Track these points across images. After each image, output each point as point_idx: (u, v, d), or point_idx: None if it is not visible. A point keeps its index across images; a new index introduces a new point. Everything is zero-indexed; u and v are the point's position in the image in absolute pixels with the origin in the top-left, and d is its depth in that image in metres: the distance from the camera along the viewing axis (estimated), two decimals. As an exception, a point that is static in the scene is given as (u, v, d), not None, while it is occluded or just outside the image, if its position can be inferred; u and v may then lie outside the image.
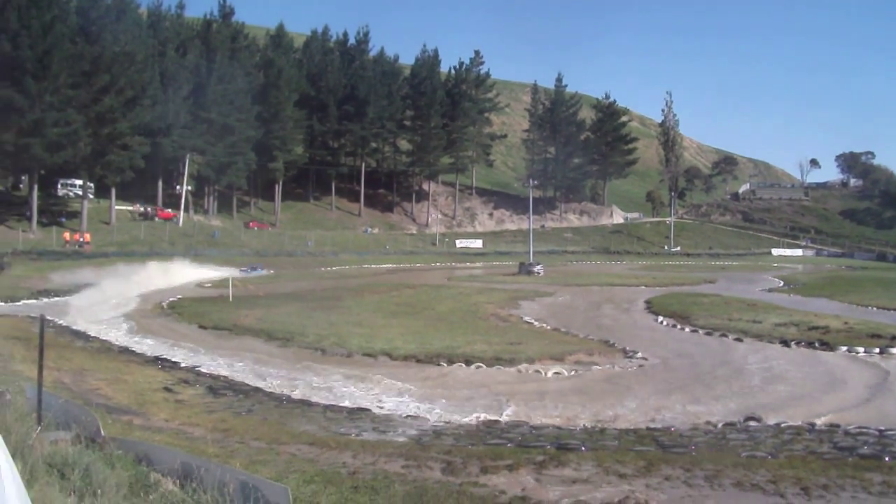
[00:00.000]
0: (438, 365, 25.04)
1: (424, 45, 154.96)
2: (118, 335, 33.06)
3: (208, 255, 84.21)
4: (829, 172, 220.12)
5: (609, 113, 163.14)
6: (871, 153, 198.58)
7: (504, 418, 18.20)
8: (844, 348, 30.22)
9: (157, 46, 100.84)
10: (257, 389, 21.45)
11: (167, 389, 20.66)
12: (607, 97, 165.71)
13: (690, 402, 20.69)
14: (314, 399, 20.21)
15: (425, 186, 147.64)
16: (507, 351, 26.97)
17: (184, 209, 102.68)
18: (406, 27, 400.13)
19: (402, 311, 41.56)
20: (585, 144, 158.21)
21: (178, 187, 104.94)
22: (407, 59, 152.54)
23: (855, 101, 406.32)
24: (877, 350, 29.81)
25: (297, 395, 20.80)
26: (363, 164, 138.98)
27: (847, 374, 25.68)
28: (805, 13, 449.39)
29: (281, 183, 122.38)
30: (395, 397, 20.76)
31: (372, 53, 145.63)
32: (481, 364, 24.94)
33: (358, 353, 26.77)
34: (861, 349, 29.98)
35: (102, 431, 10.25)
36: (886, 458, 13.93)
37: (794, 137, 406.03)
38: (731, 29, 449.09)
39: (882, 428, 17.41)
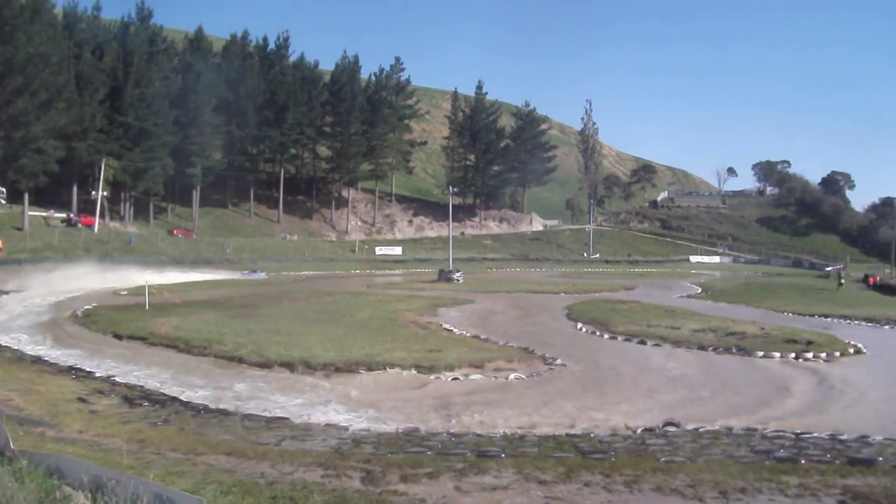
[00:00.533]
0: (357, 373, 24.89)
1: (345, 51, 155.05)
2: (31, 344, 32.35)
3: (125, 262, 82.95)
4: (746, 181, 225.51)
5: (529, 121, 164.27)
6: (787, 162, 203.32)
7: (424, 426, 18.13)
8: (761, 353, 30.75)
9: (72, 48, 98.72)
10: (174, 399, 21.12)
11: (81, 400, 20.27)
12: (527, 105, 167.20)
13: (610, 409, 20.81)
14: (232, 408, 19.97)
15: (345, 193, 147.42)
16: (426, 358, 26.89)
17: (99, 215, 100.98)
18: (326, 33, 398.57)
19: (321, 319, 41.28)
20: (505, 152, 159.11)
21: (93, 193, 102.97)
22: (327, 65, 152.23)
23: (771, 110, 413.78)
24: (792, 355, 30.38)
25: (214, 404, 20.51)
26: (282, 171, 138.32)
27: (765, 379, 26.12)
28: (721, 21, 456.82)
29: (199, 189, 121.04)
30: (314, 406, 20.58)
31: (292, 59, 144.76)
32: (401, 372, 24.88)
33: (276, 362, 26.50)
34: (777, 354, 30.58)
35: (12, 444, 10.01)
36: (802, 461, 14.18)
37: (712, 146, 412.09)
38: (650, 37, 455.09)
39: (798, 431, 17.76)
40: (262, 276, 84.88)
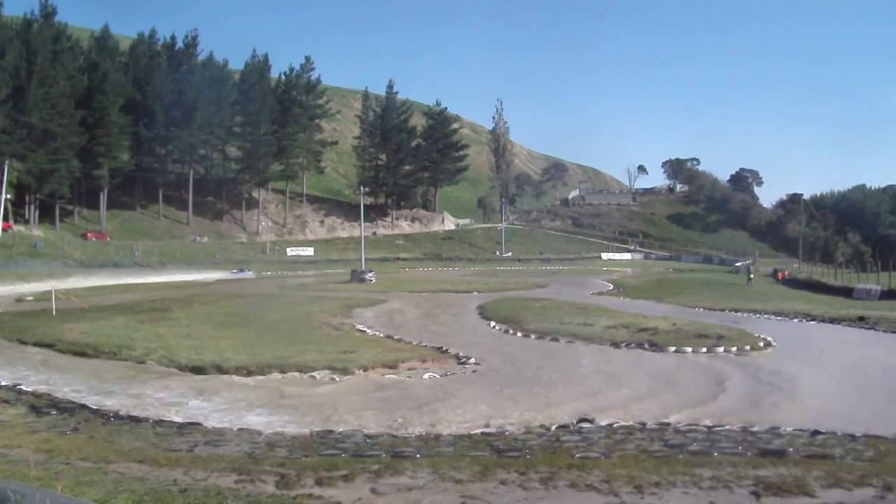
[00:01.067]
0: (270, 375, 24.70)
1: (254, 51, 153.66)
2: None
3: (30, 267, 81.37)
4: (657, 178, 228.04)
5: (440, 120, 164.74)
6: (697, 160, 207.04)
7: (338, 428, 18.02)
8: (673, 349, 31.17)
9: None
10: (83, 406, 20.61)
11: (-15, 410, 19.78)
12: (438, 104, 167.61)
13: (524, 406, 20.87)
14: (143, 415, 19.57)
15: (255, 194, 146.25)
16: (339, 360, 26.76)
17: (3, 219, 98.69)
18: (236, 32, 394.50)
19: (232, 322, 40.86)
20: (417, 151, 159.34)
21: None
22: (236, 64, 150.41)
23: (681, 108, 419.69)
24: (704, 349, 30.88)
25: (125, 411, 20.08)
26: (192, 171, 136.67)
27: (677, 373, 26.49)
28: (626, 20, 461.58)
29: (106, 191, 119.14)
30: (226, 410, 20.32)
31: (200, 58, 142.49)
32: (314, 374, 24.72)
33: (188, 366, 26.14)
34: (689, 349, 31.01)
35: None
36: (715, 454, 14.32)
37: (623, 144, 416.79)
38: (558, 37, 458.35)
39: (710, 424, 17.97)
40: (249, 274, 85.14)
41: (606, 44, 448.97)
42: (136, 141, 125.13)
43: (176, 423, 18.58)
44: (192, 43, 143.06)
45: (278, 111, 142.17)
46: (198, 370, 25.70)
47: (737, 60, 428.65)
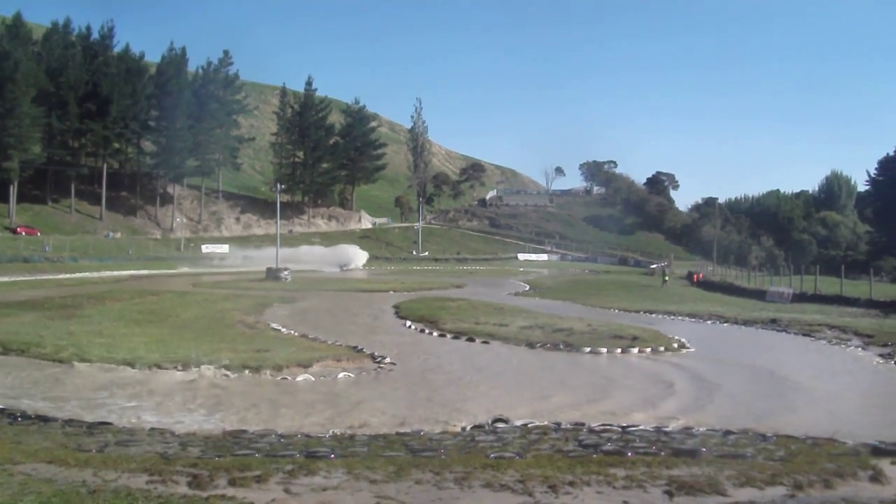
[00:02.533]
0: (184, 373, 24.36)
1: (171, 43, 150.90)
2: None
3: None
4: (574, 180, 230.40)
5: (359, 118, 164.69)
6: (614, 162, 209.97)
7: (252, 427, 17.82)
8: (588, 349, 31.40)
9: None
10: (-13, 406, 20.17)
11: None
12: (357, 102, 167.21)
13: (439, 406, 20.85)
14: (52, 414, 19.19)
15: (170, 189, 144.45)
16: (253, 358, 26.48)
17: None
18: (153, 24, 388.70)
19: (145, 319, 40.25)
20: (334, 149, 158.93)
21: None
22: (153, 57, 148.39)
23: (598, 110, 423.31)
24: (619, 350, 31.19)
25: (33, 410, 19.65)
26: (105, 166, 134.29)
27: (592, 373, 26.71)
28: (549, 23, 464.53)
29: (16, 184, 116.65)
30: (138, 409, 19.99)
31: (116, 49, 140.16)
32: (227, 372, 24.44)
33: (99, 364, 25.69)
34: (604, 349, 31.30)
35: None
36: (629, 454, 14.34)
37: (541, 146, 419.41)
38: (479, 36, 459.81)
39: (625, 424, 18.06)
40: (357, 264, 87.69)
41: (525, 46, 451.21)
42: (49, 133, 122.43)
43: (86, 422, 18.21)
44: (107, 34, 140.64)
45: (195, 106, 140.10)
46: (110, 367, 25.24)
47: (652, 65, 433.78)
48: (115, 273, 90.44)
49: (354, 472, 12.63)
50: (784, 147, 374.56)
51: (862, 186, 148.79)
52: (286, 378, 24.22)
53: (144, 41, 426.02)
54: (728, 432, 17.22)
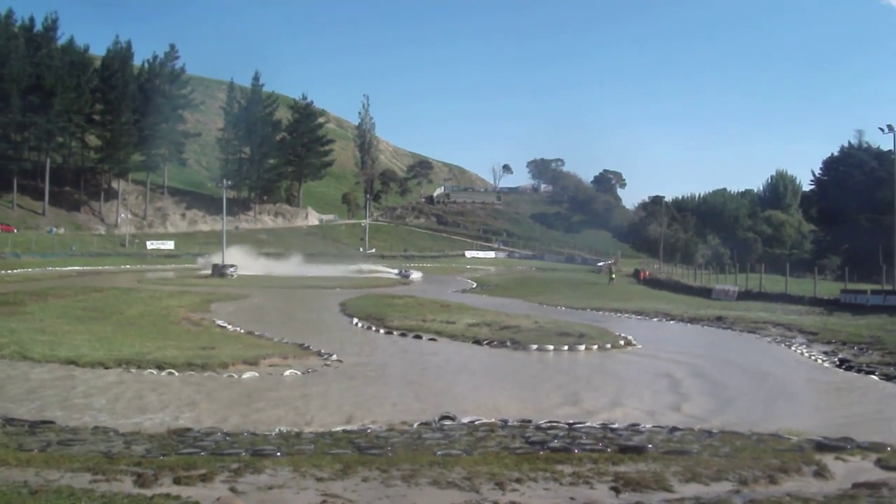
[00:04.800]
0: (128, 371, 24.05)
1: (117, 36, 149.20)
2: None
3: None
4: (521, 178, 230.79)
5: (306, 114, 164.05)
6: (561, 160, 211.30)
7: (197, 426, 17.64)
8: (535, 347, 31.54)
9: None
10: (-74, 405, 19.77)
11: None
12: (304, 98, 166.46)
13: (386, 403, 20.80)
14: (-7, 412, 18.87)
15: (115, 185, 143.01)
16: (199, 356, 26.23)
17: None
18: (98, 16, 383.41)
19: (89, 317, 39.80)
20: (281, 145, 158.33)
21: None
22: (98, 50, 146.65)
23: (546, 109, 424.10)
24: (566, 347, 31.37)
25: (-29, 408, 19.35)
26: (48, 160, 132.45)
27: (538, 370, 26.82)
28: (492, 19, 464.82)
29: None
30: (82, 408, 19.69)
31: (60, 42, 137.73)
32: (173, 370, 24.11)
33: (41, 362, 25.29)
34: (551, 347, 31.46)
35: None
36: (575, 451, 14.35)
37: (489, 143, 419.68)
38: (426, 33, 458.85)
39: (571, 421, 18.09)
40: (416, 276, 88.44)
41: (470, 42, 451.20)
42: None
43: (27, 421, 17.89)
44: (51, 26, 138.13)
45: (140, 100, 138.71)
46: (52, 365, 24.84)
47: (601, 65, 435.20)
48: (59, 269, 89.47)
49: (301, 470, 12.54)
50: (731, 146, 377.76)
51: (807, 186, 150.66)
52: (232, 376, 23.99)
53: (89, 34, 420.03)
54: (674, 429, 17.36)
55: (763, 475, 12.72)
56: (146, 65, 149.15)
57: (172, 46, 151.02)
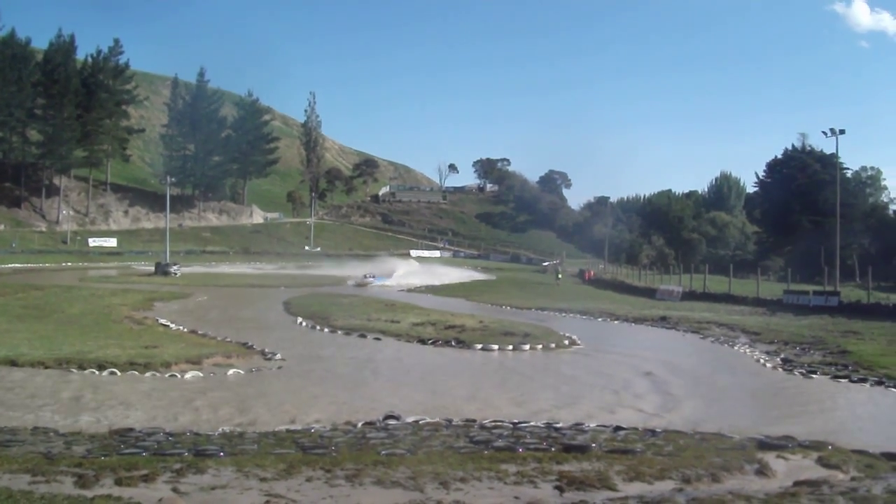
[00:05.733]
0: (68, 371, 23.71)
1: (60, 30, 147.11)
2: None
3: None
4: (467, 177, 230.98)
5: (251, 111, 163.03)
6: (507, 160, 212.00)
7: (138, 426, 17.44)
8: (480, 346, 31.70)
9: None
10: None
11: None
12: (250, 95, 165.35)
13: (330, 403, 20.76)
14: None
15: (56, 181, 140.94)
16: (141, 355, 25.98)
17: None
18: (40, 8, 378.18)
19: (28, 315, 39.37)
20: (226, 142, 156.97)
21: None
22: (40, 43, 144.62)
23: (492, 108, 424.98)
24: (510, 347, 31.54)
25: None
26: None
27: (480, 370, 26.90)
28: (442, 22, 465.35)
29: None
30: (20, 408, 19.38)
31: (1, 34, 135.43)
32: (115, 370, 23.82)
33: (-23, 361, 24.89)
34: (496, 346, 31.61)
35: None
36: (520, 450, 14.43)
37: (434, 142, 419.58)
38: (370, 33, 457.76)
39: (516, 421, 18.15)
40: (387, 282, 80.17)
41: (419, 43, 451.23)
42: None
43: (-36, 422, 17.62)
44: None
45: (83, 95, 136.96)
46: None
47: (540, 63, 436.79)
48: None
49: (244, 470, 12.50)
50: (676, 148, 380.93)
51: (751, 188, 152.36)
52: (175, 375, 23.79)
53: (31, 27, 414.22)
54: (618, 428, 17.48)
55: (706, 473, 12.89)
56: (90, 59, 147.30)
57: (116, 41, 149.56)
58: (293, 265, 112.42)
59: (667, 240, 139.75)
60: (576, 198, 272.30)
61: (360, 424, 17.88)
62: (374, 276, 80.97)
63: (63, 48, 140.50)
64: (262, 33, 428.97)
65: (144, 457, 13.69)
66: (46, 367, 24.09)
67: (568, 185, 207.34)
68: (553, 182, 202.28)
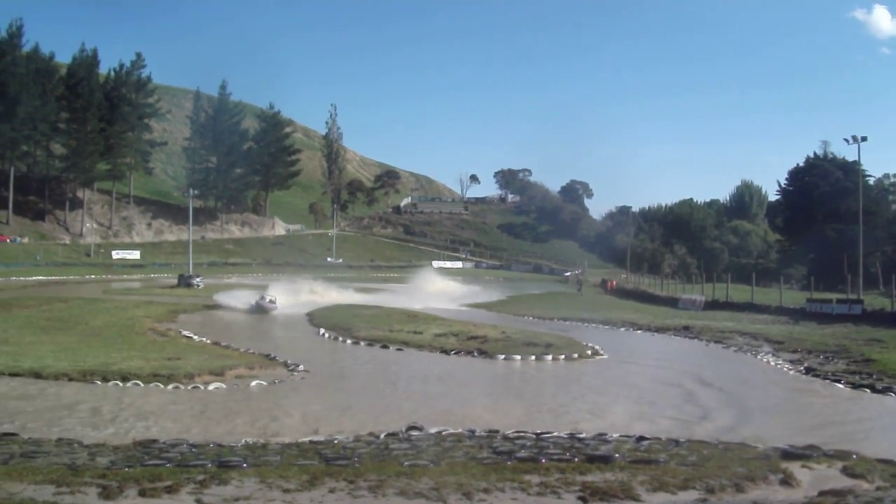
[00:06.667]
0: (92, 383, 23.80)
1: (83, 44, 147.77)
2: None
3: None
4: (489, 188, 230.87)
5: (273, 123, 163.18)
6: (528, 171, 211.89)
7: (163, 437, 17.48)
8: (503, 357, 31.56)
9: None
10: None
11: None
12: (272, 107, 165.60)
13: (353, 414, 20.73)
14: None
15: (80, 194, 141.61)
16: (165, 367, 26.03)
17: None
18: (64, 24, 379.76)
19: (53, 327, 39.48)
20: (248, 155, 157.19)
21: None
22: (64, 58, 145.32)
23: (514, 119, 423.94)
24: (533, 357, 31.36)
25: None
26: (13, 168, 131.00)
27: (506, 380, 26.82)
28: (459, 23, 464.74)
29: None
30: (45, 420, 19.44)
31: (25, 49, 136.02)
32: (138, 381, 23.89)
33: (4, 373, 24.96)
34: (518, 357, 31.44)
35: None
36: (543, 460, 14.37)
37: (455, 153, 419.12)
38: (390, 43, 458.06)
39: (538, 431, 18.06)
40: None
41: (442, 58, 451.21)
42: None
43: (-10, 433, 17.69)
44: (16, 33, 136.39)
45: (106, 108, 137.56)
46: (15, 377, 24.56)
47: (564, 74, 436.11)
48: (23, 279, 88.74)
49: (267, 482, 12.48)
50: (697, 158, 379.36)
51: (773, 196, 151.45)
52: (198, 387, 23.82)
53: (55, 42, 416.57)
54: (641, 438, 17.38)
55: (730, 483, 12.79)
56: (112, 73, 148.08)
57: (139, 55, 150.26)
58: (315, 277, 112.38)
59: (689, 249, 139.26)
60: (597, 208, 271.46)
61: (382, 435, 17.85)
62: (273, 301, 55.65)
63: (86, 62, 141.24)
64: (285, 48, 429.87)
65: (168, 468, 13.69)
66: (71, 379, 24.15)
67: (590, 195, 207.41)
68: (575, 192, 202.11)
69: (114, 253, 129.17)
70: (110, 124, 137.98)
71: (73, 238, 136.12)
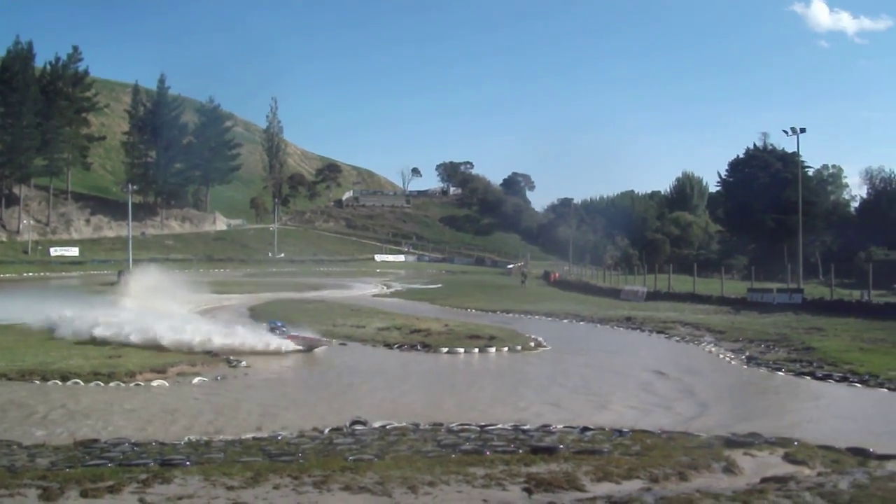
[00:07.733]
0: (31, 382, 23.47)
1: (17, 37, 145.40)
2: None
3: None
4: (430, 181, 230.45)
5: (213, 117, 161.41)
6: (470, 163, 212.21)
7: (103, 437, 17.27)
8: (445, 350, 31.72)
9: None
10: None
11: None
12: (211, 101, 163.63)
13: (297, 409, 20.73)
14: None
15: (16, 190, 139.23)
16: (105, 365, 25.75)
17: None
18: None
19: (-11, 326, 38.85)
20: (188, 149, 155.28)
21: None
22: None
23: (456, 112, 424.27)
24: (476, 350, 31.57)
25: None
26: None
27: (448, 374, 26.88)
28: (403, 25, 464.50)
29: None
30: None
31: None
32: (78, 380, 23.60)
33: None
34: (461, 350, 31.64)
35: None
36: (487, 453, 14.48)
37: (396, 146, 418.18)
38: (335, 34, 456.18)
39: (483, 424, 18.18)
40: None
41: (382, 47, 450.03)
42: None
43: (-73, 437, 17.38)
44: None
45: (42, 103, 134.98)
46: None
47: (501, 67, 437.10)
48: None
49: (211, 479, 12.43)
50: (638, 150, 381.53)
51: (713, 187, 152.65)
52: (139, 384, 23.63)
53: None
54: (585, 428, 17.57)
55: (674, 472, 12.97)
56: (48, 67, 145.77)
57: (75, 48, 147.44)
58: (257, 272, 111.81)
59: (631, 240, 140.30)
60: (540, 200, 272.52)
61: (327, 431, 17.82)
62: None
63: (21, 55, 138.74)
64: (222, 39, 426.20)
65: (110, 468, 13.56)
66: (9, 379, 23.82)
67: (531, 188, 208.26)
68: (517, 184, 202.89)
69: (52, 250, 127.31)
70: (47, 119, 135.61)
71: (9, 235, 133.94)
